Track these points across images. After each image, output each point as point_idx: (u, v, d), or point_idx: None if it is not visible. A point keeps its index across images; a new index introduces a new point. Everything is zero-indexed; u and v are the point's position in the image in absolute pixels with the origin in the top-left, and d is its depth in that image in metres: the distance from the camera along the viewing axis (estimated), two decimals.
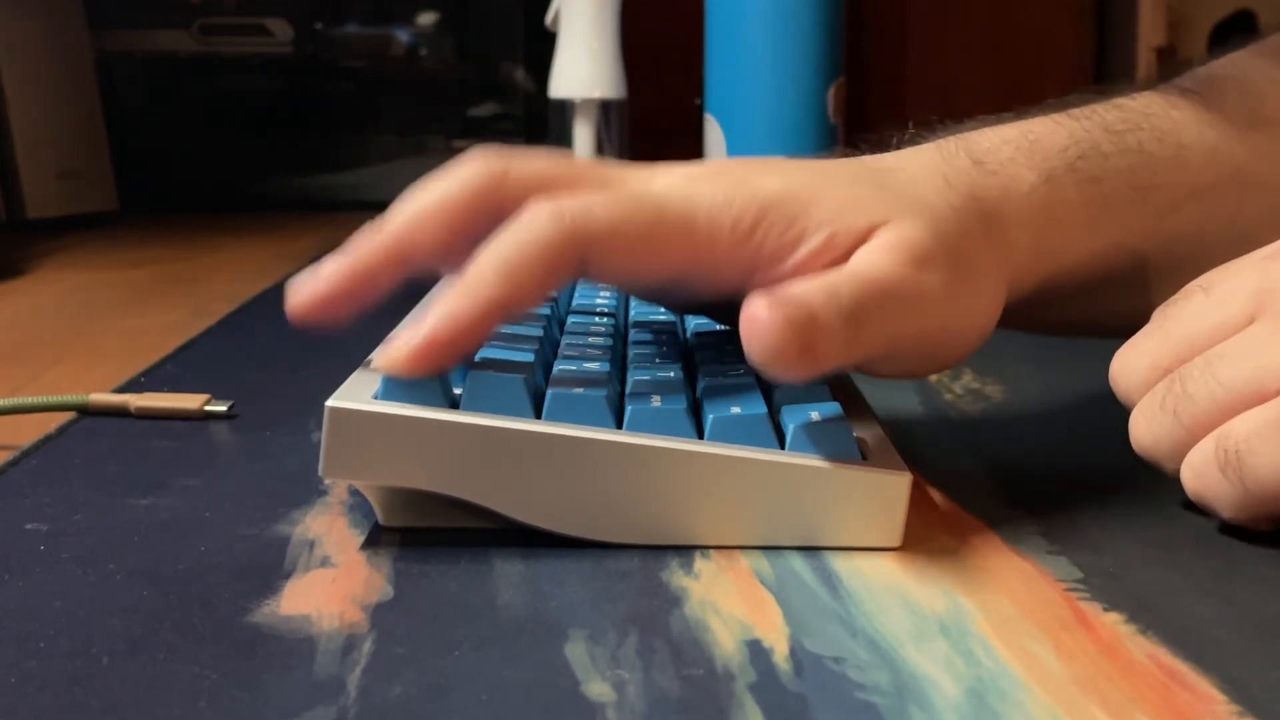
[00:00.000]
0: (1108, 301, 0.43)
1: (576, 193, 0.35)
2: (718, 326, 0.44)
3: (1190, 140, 0.43)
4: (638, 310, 0.47)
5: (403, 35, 1.31)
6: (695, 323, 0.45)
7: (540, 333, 0.39)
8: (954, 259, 0.36)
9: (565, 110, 0.93)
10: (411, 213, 0.35)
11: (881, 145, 0.41)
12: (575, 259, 0.34)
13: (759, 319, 0.31)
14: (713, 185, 0.36)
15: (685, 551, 0.33)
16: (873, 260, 0.35)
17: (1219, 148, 0.43)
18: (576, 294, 0.48)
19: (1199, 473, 0.33)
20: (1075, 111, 0.43)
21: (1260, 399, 0.32)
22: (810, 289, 0.33)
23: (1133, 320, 0.40)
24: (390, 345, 0.33)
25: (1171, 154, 0.42)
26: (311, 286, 0.36)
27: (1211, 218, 0.43)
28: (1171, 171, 0.42)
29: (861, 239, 0.35)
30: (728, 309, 0.37)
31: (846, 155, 0.41)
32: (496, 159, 0.36)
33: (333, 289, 0.35)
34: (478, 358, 0.35)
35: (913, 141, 0.41)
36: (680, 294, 0.38)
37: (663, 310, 0.46)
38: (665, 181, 0.37)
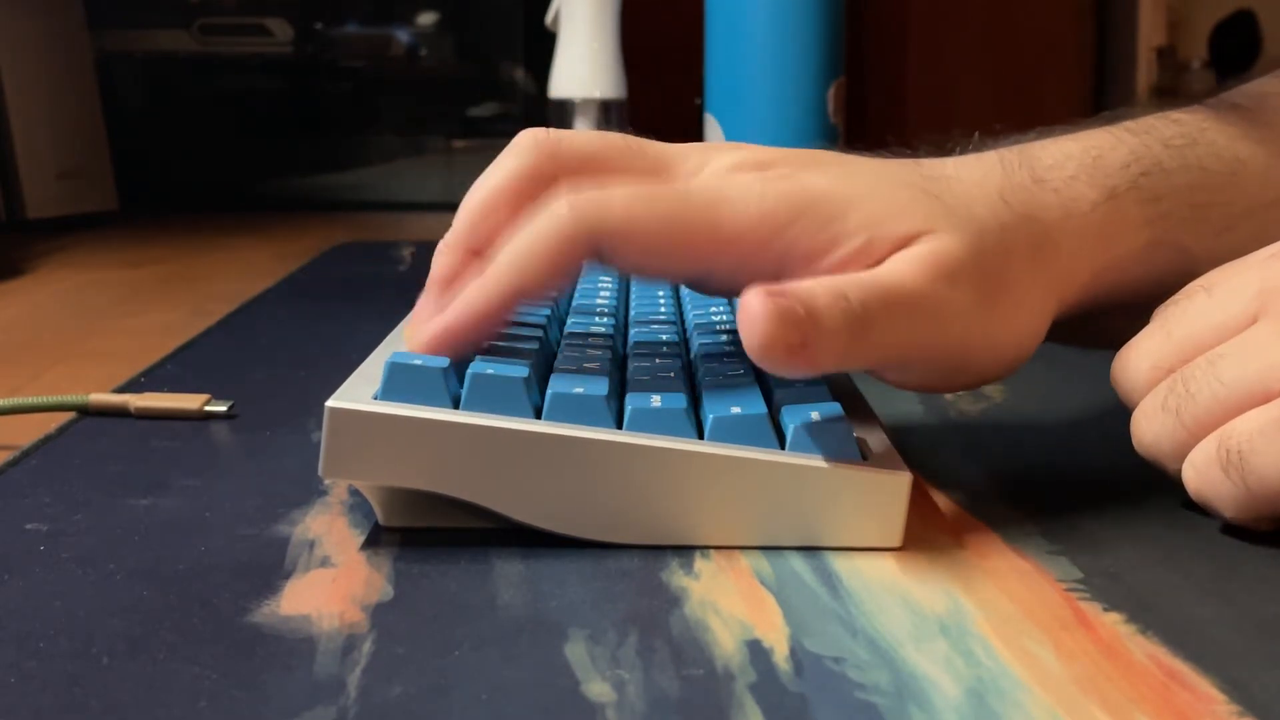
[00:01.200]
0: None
1: (606, 181, 0.35)
2: (717, 326, 0.44)
3: (1246, 157, 0.42)
4: (638, 310, 0.47)
5: (403, 35, 1.31)
6: (696, 322, 0.45)
7: (540, 333, 0.39)
8: (990, 278, 0.36)
9: (565, 110, 0.93)
10: (474, 206, 0.37)
11: (940, 150, 0.40)
12: (587, 252, 0.34)
13: (752, 309, 0.31)
14: (752, 177, 0.36)
15: (685, 551, 0.33)
16: (897, 269, 0.34)
17: (1273, 165, 0.42)
18: (577, 294, 0.48)
19: (1201, 472, 0.33)
20: (1133, 125, 0.42)
21: (1264, 398, 0.32)
22: (817, 286, 0.32)
23: None
24: (417, 328, 0.35)
25: (1228, 170, 0.41)
26: (421, 345, 0.35)
27: (1265, 234, 0.40)
28: (1229, 189, 0.41)
29: (898, 247, 0.35)
30: None
31: (905, 155, 0.40)
32: (546, 140, 0.37)
33: (440, 346, 0.35)
34: (477, 358, 0.35)
35: (976, 149, 0.40)
36: (711, 285, 0.37)
37: (663, 310, 0.46)
38: (708, 169, 0.37)
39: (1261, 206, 0.42)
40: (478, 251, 0.36)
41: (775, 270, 0.35)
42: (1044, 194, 0.38)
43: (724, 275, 0.36)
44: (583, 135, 0.37)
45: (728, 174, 0.36)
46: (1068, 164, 0.39)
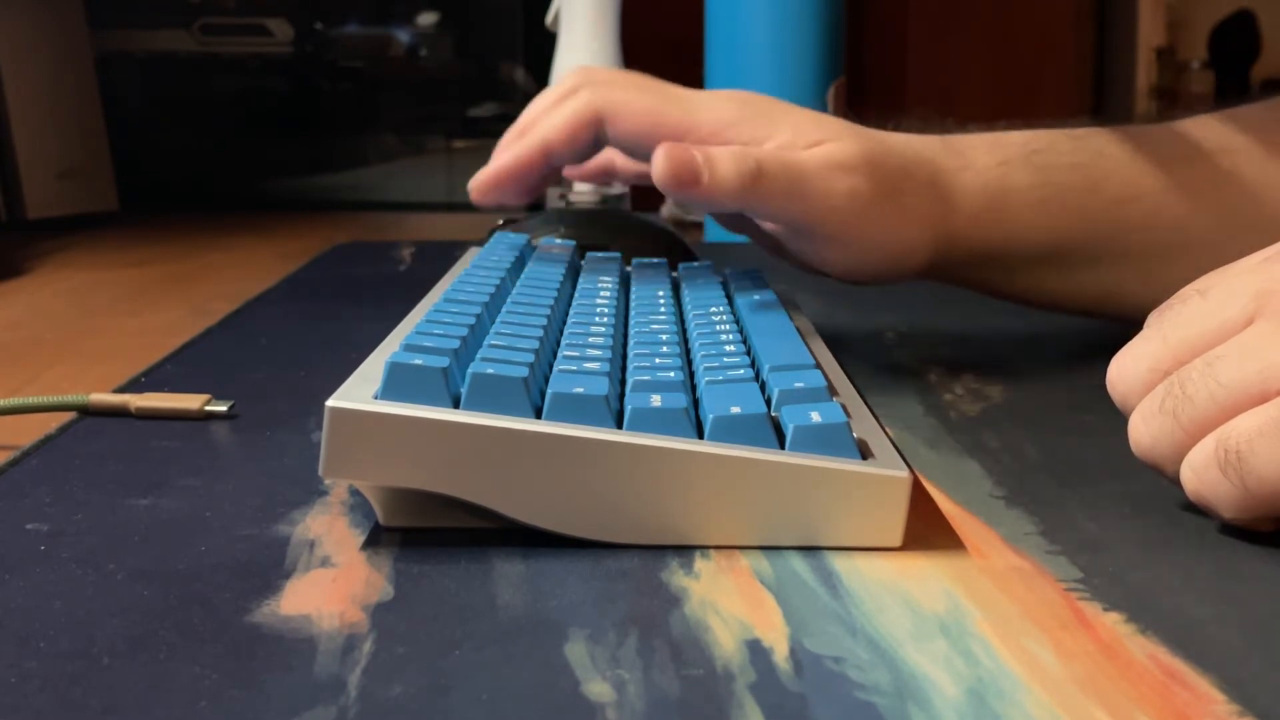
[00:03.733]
0: (1059, 276, 0.54)
1: (617, 83, 0.51)
2: (718, 325, 0.44)
3: (1146, 151, 0.53)
4: (638, 310, 0.47)
5: (403, 35, 1.31)
6: (696, 322, 0.45)
7: (540, 333, 0.39)
8: (884, 183, 0.49)
9: None
10: (533, 106, 0.53)
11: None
12: (594, 121, 0.50)
13: (658, 150, 0.46)
14: (724, 94, 0.51)
15: (685, 551, 0.33)
16: (799, 153, 0.48)
17: (1172, 163, 0.53)
18: (577, 294, 0.48)
19: (1199, 473, 0.33)
20: (1050, 127, 0.54)
21: (1262, 399, 0.32)
22: (726, 148, 0.47)
23: (1084, 302, 0.54)
24: (481, 172, 0.51)
25: (1127, 156, 0.53)
26: (488, 175, 0.51)
27: (1158, 216, 0.52)
28: (1124, 170, 0.52)
29: (811, 146, 0.49)
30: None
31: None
32: (584, 69, 0.53)
33: (489, 183, 0.51)
34: (478, 358, 0.35)
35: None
36: None
37: (663, 310, 0.46)
38: (699, 91, 0.52)
39: (1154, 191, 0.52)
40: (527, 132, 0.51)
41: None
42: (949, 152, 0.52)
43: None
44: (615, 70, 0.53)
45: (707, 91, 0.51)
46: (975, 139, 0.53)
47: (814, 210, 0.48)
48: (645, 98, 0.50)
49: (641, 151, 0.50)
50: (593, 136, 0.50)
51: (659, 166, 0.46)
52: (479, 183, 0.51)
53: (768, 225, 0.52)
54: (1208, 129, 0.55)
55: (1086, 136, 0.53)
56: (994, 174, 0.51)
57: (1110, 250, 0.53)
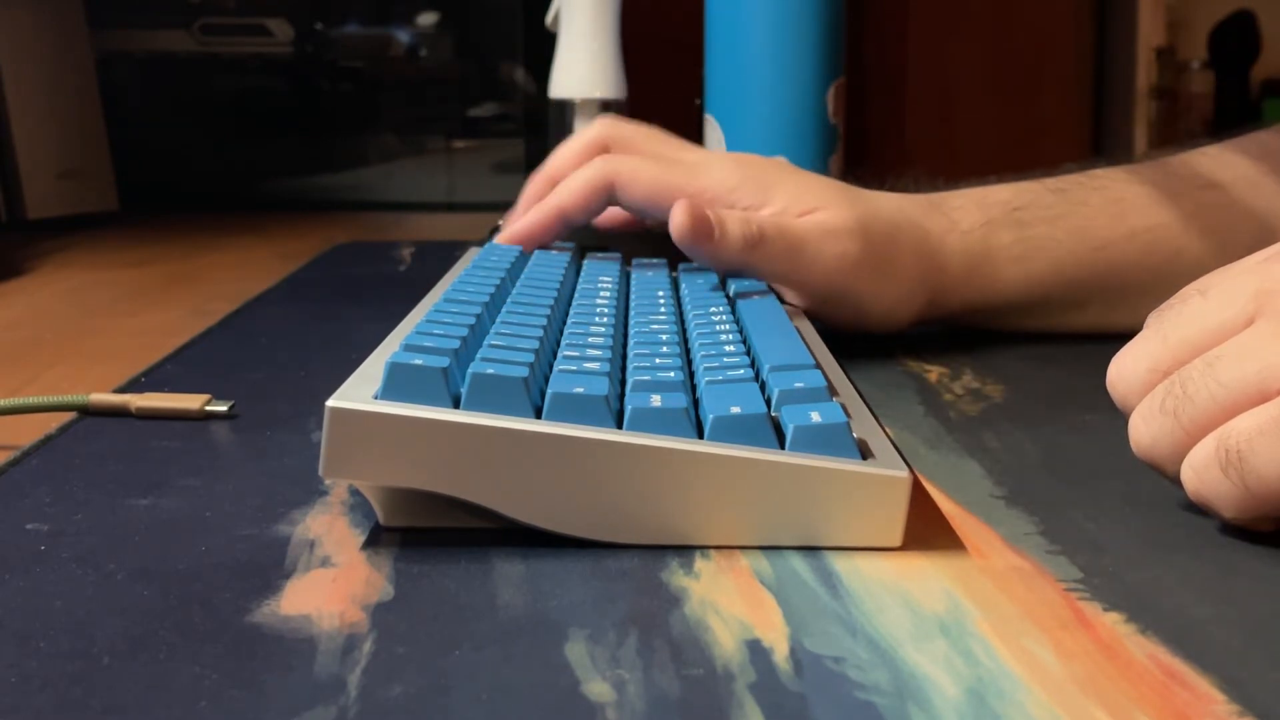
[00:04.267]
0: (1047, 319, 0.58)
1: (631, 154, 0.56)
2: (718, 326, 0.44)
3: (1131, 195, 0.57)
4: (638, 310, 0.47)
5: (403, 35, 1.31)
6: (696, 322, 0.45)
7: (540, 333, 0.39)
8: (876, 248, 0.53)
9: (565, 110, 0.93)
10: (559, 155, 0.59)
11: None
12: (606, 190, 0.54)
13: (678, 207, 0.50)
14: (728, 159, 0.57)
15: (685, 551, 0.33)
16: (795, 221, 0.53)
17: (1161, 201, 0.56)
18: (577, 294, 0.49)
19: (1200, 472, 0.33)
20: (1037, 179, 0.58)
21: (1262, 399, 0.32)
22: (734, 213, 0.52)
23: (1074, 333, 0.57)
24: (506, 229, 0.57)
25: (1110, 203, 0.57)
26: (511, 235, 0.57)
27: (1152, 252, 0.56)
28: (1107, 217, 0.56)
29: (805, 213, 0.53)
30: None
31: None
32: (609, 124, 0.59)
33: (524, 238, 0.57)
34: (478, 358, 0.35)
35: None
36: None
37: (663, 310, 0.46)
38: (705, 154, 0.58)
39: (1144, 230, 0.56)
40: (555, 181, 0.57)
41: None
42: (936, 214, 0.56)
43: None
44: (633, 126, 0.59)
45: (712, 157, 0.57)
46: (963, 197, 0.57)
47: (807, 273, 0.53)
48: (653, 166, 0.55)
49: (650, 214, 0.56)
50: (604, 201, 0.55)
51: (677, 221, 0.50)
52: (504, 236, 0.57)
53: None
54: (1203, 160, 0.58)
55: (1070, 188, 0.57)
56: (978, 234, 0.56)
57: (1096, 293, 0.57)
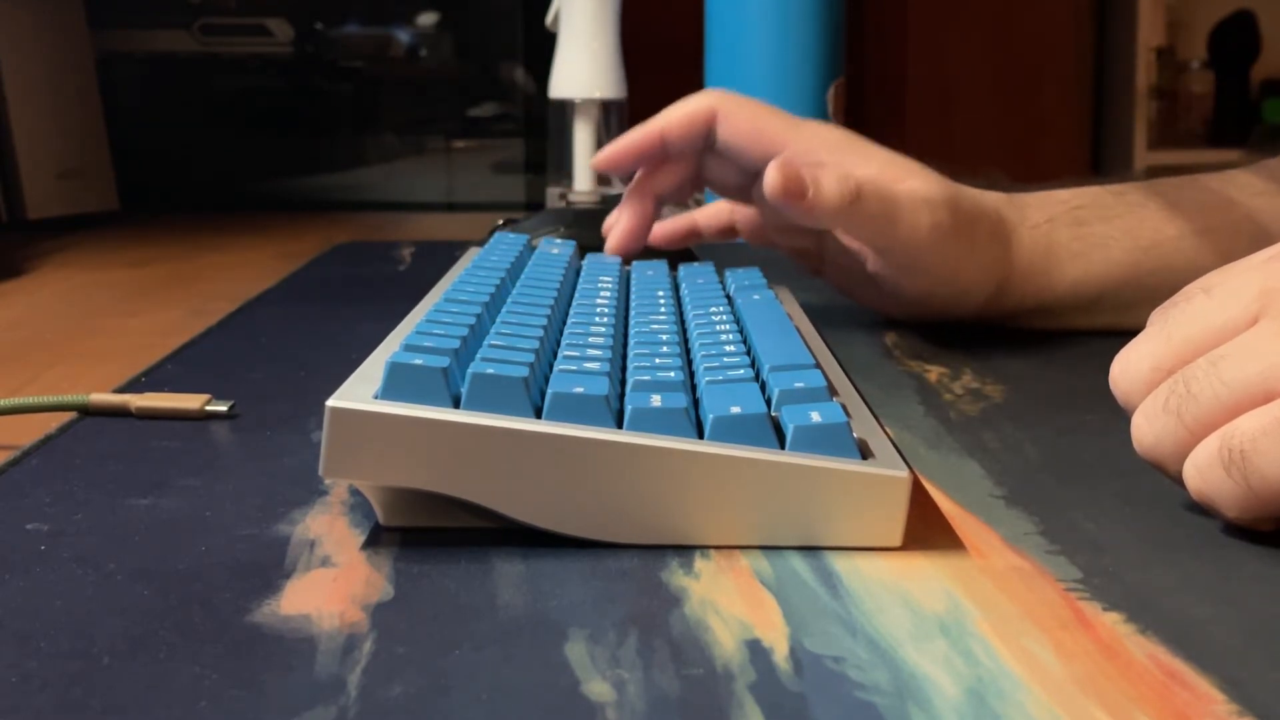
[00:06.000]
0: (1106, 316, 0.58)
1: (738, 94, 0.58)
2: (718, 326, 0.44)
3: (1186, 199, 0.58)
4: (638, 310, 0.47)
5: (403, 35, 1.31)
6: (696, 322, 0.45)
7: (540, 333, 0.39)
8: (958, 222, 0.54)
9: (565, 110, 0.93)
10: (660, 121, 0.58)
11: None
12: (710, 117, 0.56)
13: (771, 165, 0.51)
14: (825, 124, 0.58)
15: (685, 551, 0.33)
16: (892, 184, 0.53)
17: (1214, 203, 0.58)
18: (577, 294, 0.48)
19: (1203, 472, 0.33)
20: (1098, 184, 0.60)
21: (1266, 398, 0.32)
22: (832, 170, 0.52)
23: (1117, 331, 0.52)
24: (606, 150, 0.58)
25: (1165, 206, 0.58)
26: (609, 153, 0.58)
27: (1201, 252, 0.57)
28: (1160, 219, 0.58)
29: (900, 180, 0.54)
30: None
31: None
32: (714, 91, 0.58)
33: (621, 157, 0.58)
34: (478, 358, 0.35)
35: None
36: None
37: (663, 310, 0.46)
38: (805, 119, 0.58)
39: (1193, 234, 0.57)
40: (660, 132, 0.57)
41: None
42: (1011, 207, 0.58)
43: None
44: (742, 95, 0.59)
45: (810, 120, 0.58)
46: (1030, 197, 0.59)
47: (900, 237, 0.53)
48: (757, 108, 0.56)
49: (742, 157, 0.56)
50: (705, 131, 0.56)
51: (770, 178, 0.50)
52: (600, 155, 0.58)
53: (851, 244, 0.57)
54: (1264, 169, 0.59)
55: (1128, 192, 0.59)
56: (1043, 230, 0.57)
57: (1146, 293, 0.55)
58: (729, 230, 0.65)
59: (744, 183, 0.58)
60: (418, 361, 0.33)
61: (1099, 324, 0.58)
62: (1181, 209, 0.58)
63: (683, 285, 0.53)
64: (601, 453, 0.33)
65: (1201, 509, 0.34)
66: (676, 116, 0.56)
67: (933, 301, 0.57)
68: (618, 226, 0.59)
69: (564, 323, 0.45)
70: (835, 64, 0.87)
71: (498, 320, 0.41)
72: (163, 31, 1.26)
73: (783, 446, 0.33)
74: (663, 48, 1.15)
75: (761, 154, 0.55)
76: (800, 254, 0.63)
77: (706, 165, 0.59)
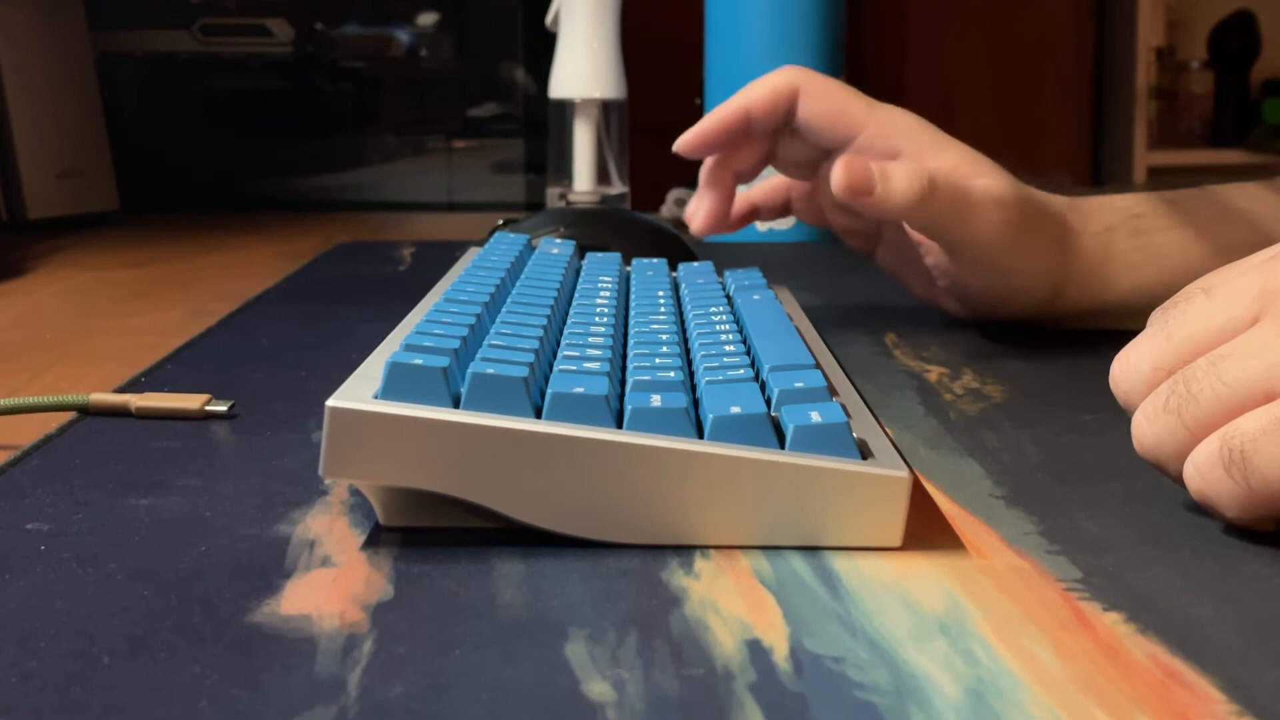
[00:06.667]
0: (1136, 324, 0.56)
1: (820, 74, 0.58)
2: (718, 325, 0.44)
3: (1240, 209, 0.58)
4: (638, 310, 0.47)
5: (403, 35, 1.31)
6: (696, 322, 0.45)
7: (540, 333, 0.39)
8: (1027, 221, 0.54)
9: (565, 110, 0.93)
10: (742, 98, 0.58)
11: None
12: (792, 93, 0.56)
13: (838, 161, 0.51)
14: (906, 110, 0.57)
15: (685, 551, 0.33)
16: (965, 179, 0.54)
17: (1267, 216, 0.57)
18: (577, 294, 0.48)
19: (1203, 472, 0.33)
20: (1154, 190, 0.60)
21: (1266, 398, 0.32)
22: (903, 163, 0.53)
23: None
24: (690, 132, 0.57)
25: (1218, 215, 0.58)
26: (695, 134, 0.57)
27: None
28: (1215, 227, 0.57)
29: (970, 178, 0.54)
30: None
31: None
32: (797, 70, 0.58)
33: (706, 138, 0.57)
34: (478, 358, 0.35)
35: None
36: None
37: (663, 310, 0.46)
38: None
39: (1249, 246, 0.55)
40: (743, 108, 0.57)
41: (892, 159, 0.55)
42: (1075, 212, 0.57)
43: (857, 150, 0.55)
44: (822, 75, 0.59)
45: (891, 106, 0.57)
46: (1093, 201, 0.58)
47: (970, 234, 0.53)
48: (837, 88, 0.57)
49: (819, 136, 0.56)
50: (788, 107, 0.56)
51: (836, 176, 0.51)
52: (685, 137, 0.57)
53: (915, 235, 0.57)
54: None
55: (1182, 199, 0.59)
56: (1102, 239, 0.57)
57: None
58: (785, 208, 0.64)
59: (815, 160, 0.58)
60: (418, 361, 0.33)
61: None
62: (1234, 217, 0.58)
63: (682, 285, 0.53)
64: (601, 452, 0.33)
65: (1201, 509, 0.34)
66: (761, 93, 0.56)
67: (988, 299, 0.57)
68: (701, 208, 0.59)
69: (564, 323, 0.45)
70: (835, 64, 0.87)
71: (498, 320, 0.41)
72: (163, 31, 1.26)
73: (783, 446, 0.33)
74: (663, 48, 1.15)
75: (840, 134, 0.55)
76: (855, 234, 0.62)
77: (780, 142, 0.58)
